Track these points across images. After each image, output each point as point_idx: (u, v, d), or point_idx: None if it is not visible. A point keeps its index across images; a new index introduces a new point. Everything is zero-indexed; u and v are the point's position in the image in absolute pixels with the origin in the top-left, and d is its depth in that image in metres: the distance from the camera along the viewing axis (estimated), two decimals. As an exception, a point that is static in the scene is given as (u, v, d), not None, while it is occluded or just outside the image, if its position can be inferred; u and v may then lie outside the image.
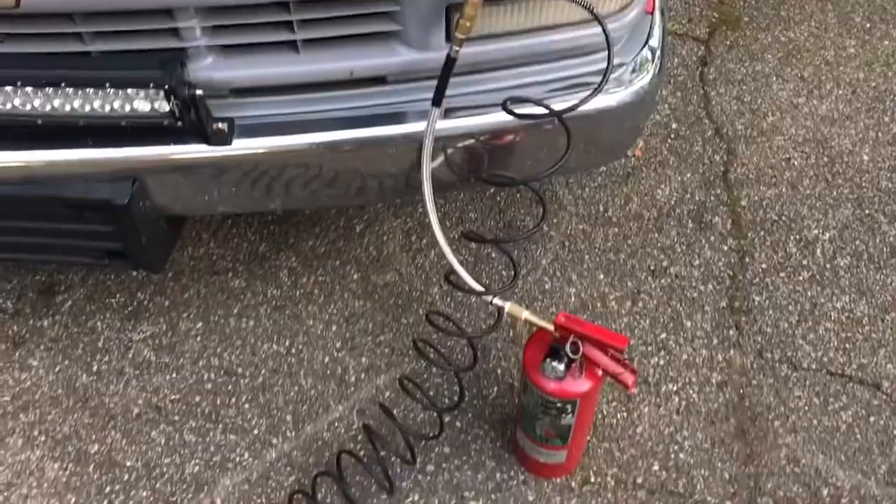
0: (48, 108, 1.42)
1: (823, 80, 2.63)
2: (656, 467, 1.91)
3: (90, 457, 1.93)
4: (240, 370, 2.06)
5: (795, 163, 2.43)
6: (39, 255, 1.69)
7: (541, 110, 1.49)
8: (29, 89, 1.39)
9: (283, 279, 2.20)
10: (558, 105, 1.51)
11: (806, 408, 1.99)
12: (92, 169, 1.51)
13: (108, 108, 1.41)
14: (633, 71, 1.61)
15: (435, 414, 1.93)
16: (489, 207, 2.32)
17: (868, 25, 2.78)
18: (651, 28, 1.67)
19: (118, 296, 2.17)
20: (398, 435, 1.83)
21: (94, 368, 2.06)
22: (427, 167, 1.53)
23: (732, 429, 1.96)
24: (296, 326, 2.12)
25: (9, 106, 1.42)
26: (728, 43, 2.73)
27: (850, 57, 2.69)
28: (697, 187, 2.38)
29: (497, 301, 1.61)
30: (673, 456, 1.93)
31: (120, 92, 1.39)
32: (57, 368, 2.06)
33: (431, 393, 1.98)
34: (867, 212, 2.33)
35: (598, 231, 2.29)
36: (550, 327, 1.56)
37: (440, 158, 1.61)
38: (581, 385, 1.60)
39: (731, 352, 2.08)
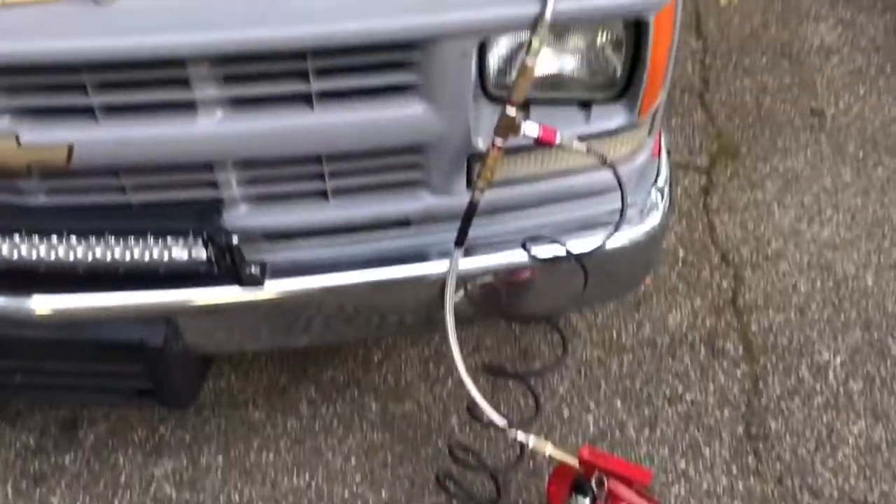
0: (90, 257, 1.49)
1: (823, 207, 2.72)
2: None
3: None
4: (260, 504, 2.06)
5: (802, 288, 2.50)
6: (69, 396, 1.72)
7: (559, 249, 1.56)
8: (73, 239, 1.46)
9: (302, 411, 2.23)
10: (574, 243, 1.58)
11: (830, 538, 1.98)
12: (128, 313, 1.57)
13: (147, 256, 1.48)
14: (644, 211, 1.69)
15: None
16: (505, 335, 2.36)
17: (861, 155, 2.90)
18: (658, 169, 1.76)
19: (140, 430, 2.19)
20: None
21: (115, 505, 2.06)
22: (450, 304, 1.59)
23: (757, 561, 1.95)
24: (315, 460, 2.13)
25: (53, 256, 1.49)
26: (728, 172, 2.85)
27: (847, 185, 2.80)
28: (708, 313, 2.43)
29: (521, 436, 1.64)
30: (699, 591, 1.90)
31: (160, 240, 1.47)
32: (77, 505, 2.06)
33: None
34: (876, 336, 2.37)
35: (613, 358, 2.33)
36: (575, 462, 1.58)
37: (461, 294, 1.68)
38: (606, 520, 1.60)
39: (752, 479, 2.08)
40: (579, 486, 1.57)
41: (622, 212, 1.49)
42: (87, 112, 1.37)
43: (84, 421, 2.21)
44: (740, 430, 2.17)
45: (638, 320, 2.42)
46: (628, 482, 1.53)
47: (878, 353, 2.33)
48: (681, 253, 2.59)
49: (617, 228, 1.49)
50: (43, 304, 1.55)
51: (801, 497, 2.04)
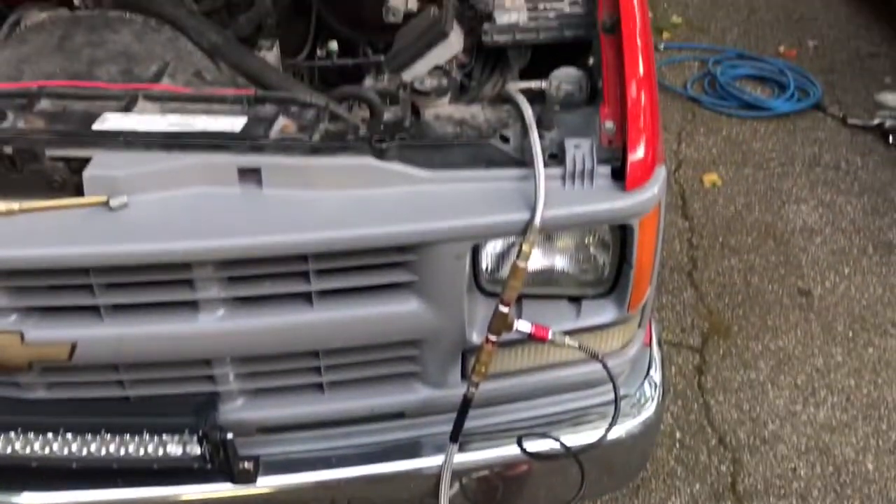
0: (84, 452, 1.49)
1: (817, 388, 2.74)
2: None
3: None
4: None
5: (802, 472, 2.47)
6: None
7: (554, 445, 1.56)
8: (69, 435, 1.46)
9: None
10: (570, 438, 1.59)
11: None
12: (118, 509, 1.55)
13: (142, 451, 1.48)
14: (638, 403, 1.71)
15: None
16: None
17: (851, 334, 2.94)
18: (651, 360, 1.79)
19: None
20: None
21: None
22: (445, 501, 1.57)
23: None
24: None
25: (47, 451, 1.49)
26: (721, 352, 2.88)
27: (839, 364, 2.82)
28: (708, 499, 2.39)
29: None
30: None
31: (155, 436, 1.47)
32: None
33: None
34: (881, 524, 2.33)
35: (612, 550, 2.27)
36: None
37: (456, 487, 1.66)
38: None
39: None
40: None
41: (616, 406, 1.50)
42: (92, 311, 1.41)
43: None
44: None
45: (637, 507, 2.38)
46: None
47: (884, 543, 2.28)
48: (678, 435, 2.58)
49: (612, 424, 1.50)
50: (33, 500, 1.53)
51: None
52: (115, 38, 1.77)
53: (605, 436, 1.50)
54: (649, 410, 1.71)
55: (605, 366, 1.49)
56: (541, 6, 1.85)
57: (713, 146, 4.00)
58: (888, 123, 4.07)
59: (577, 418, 1.68)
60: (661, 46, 4.81)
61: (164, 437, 1.47)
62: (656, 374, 1.75)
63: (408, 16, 2.00)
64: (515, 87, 1.65)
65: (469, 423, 1.59)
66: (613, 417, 1.50)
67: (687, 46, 4.82)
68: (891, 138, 3.99)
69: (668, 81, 4.43)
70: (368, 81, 1.73)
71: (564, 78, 1.66)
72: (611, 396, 1.57)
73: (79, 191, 1.38)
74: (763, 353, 2.87)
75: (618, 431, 1.66)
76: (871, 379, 2.77)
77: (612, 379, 1.49)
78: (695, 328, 2.98)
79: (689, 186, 3.73)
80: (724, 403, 2.69)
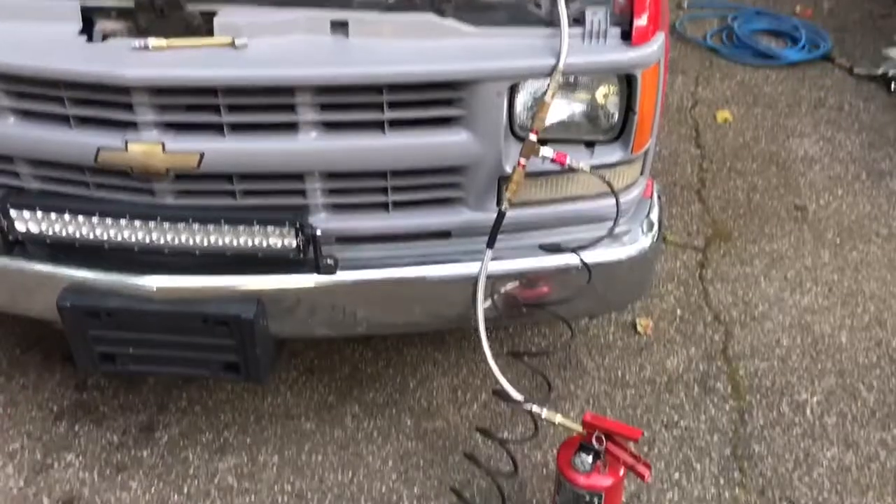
0: (206, 242, 1.93)
1: (804, 280, 3.12)
2: (675, 583, 2.16)
3: (177, 561, 2.22)
4: (309, 494, 2.38)
5: (784, 342, 2.86)
6: (168, 368, 2.10)
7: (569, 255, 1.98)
8: (196, 225, 1.90)
9: (347, 423, 2.58)
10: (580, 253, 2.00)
11: (806, 537, 2.26)
12: (227, 293, 1.98)
13: (250, 242, 1.92)
14: (638, 234, 2.11)
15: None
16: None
17: (839, 241, 3.32)
18: (651, 207, 2.20)
19: (208, 433, 2.55)
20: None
21: (185, 490, 2.39)
22: (481, 295, 1.99)
23: (741, 553, 2.22)
24: (357, 461, 2.47)
25: (177, 241, 1.93)
26: (721, 252, 3.27)
27: (825, 264, 3.20)
28: (701, 359, 2.79)
29: (535, 408, 1.99)
30: (689, 574, 2.18)
31: (261, 229, 1.90)
32: (153, 489, 2.39)
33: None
34: (848, 381, 2.71)
35: (617, 391, 2.68)
36: (579, 428, 1.93)
37: (488, 302, 2.07)
38: (606, 480, 1.93)
39: (737, 490, 2.38)
40: (583, 447, 1.90)
41: (616, 213, 1.92)
42: (217, 128, 1.85)
43: (160, 424, 2.57)
44: (728, 451, 2.49)
45: (640, 363, 2.78)
46: (624, 441, 1.87)
47: (850, 395, 2.67)
48: (678, 312, 2.98)
49: (614, 226, 1.92)
50: (162, 283, 1.97)
51: (781, 505, 2.34)
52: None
53: (609, 232, 1.91)
54: (646, 242, 2.12)
55: (608, 183, 1.90)
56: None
57: (727, 89, 4.37)
58: (892, 73, 4.41)
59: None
60: (686, 4, 5.18)
61: (269, 229, 1.90)
62: (653, 215, 2.16)
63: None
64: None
65: (502, 244, 2.01)
66: (615, 218, 1.91)
67: (709, 5, 5.18)
68: (893, 86, 4.33)
69: (690, 33, 4.80)
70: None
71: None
72: (617, 230, 1.99)
73: (210, 33, 1.81)
74: (759, 254, 3.25)
75: (619, 254, 2.08)
76: (852, 275, 3.14)
77: (611, 188, 1.90)
78: (699, 233, 3.37)
79: (702, 121, 4.11)
80: (720, 290, 3.08)
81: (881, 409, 2.63)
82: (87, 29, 1.83)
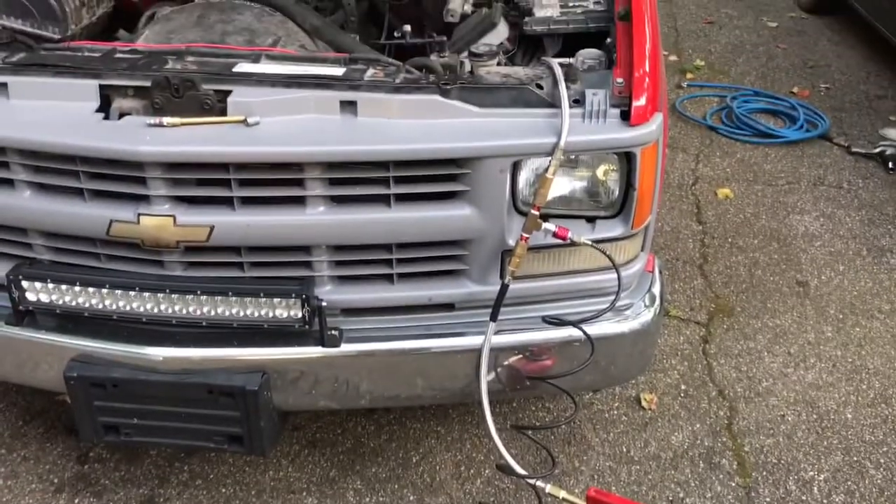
0: (212, 313, 1.96)
1: (807, 356, 3.12)
2: None
3: None
4: (310, 571, 2.35)
5: (789, 418, 2.84)
6: (172, 439, 2.09)
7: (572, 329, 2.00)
8: (204, 296, 1.93)
9: (349, 498, 2.56)
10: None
11: None
12: (233, 364, 2.00)
13: (256, 313, 1.95)
14: (640, 308, 2.14)
15: None
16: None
17: (841, 316, 3.33)
18: (653, 281, 2.23)
19: (208, 508, 2.53)
20: None
21: (184, 566, 2.36)
22: (484, 368, 2.00)
23: None
24: (359, 537, 2.44)
25: (184, 311, 1.96)
26: (725, 327, 3.28)
27: (829, 339, 3.21)
28: (706, 435, 2.78)
29: (539, 483, 1.98)
30: None
31: (267, 300, 1.93)
32: (151, 565, 2.36)
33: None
34: (855, 458, 2.69)
35: (622, 467, 2.66)
36: (584, 503, 1.92)
37: (491, 375, 2.09)
38: (611, 558, 1.91)
39: (745, 570, 2.34)
40: (587, 524, 1.89)
41: (618, 287, 1.94)
42: (228, 202, 1.90)
43: (161, 497, 2.55)
44: (735, 529, 2.46)
45: (644, 439, 2.76)
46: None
47: (857, 473, 2.64)
48: (682, 387, 2.97)
49: (616, 300, 1.94)
50: (168, 353, 1.99)
51: (790, 585, 2.30)
52: (239, 18, 2.30)
53: (611, 306, 1.93)
54: (648, 315, 2.14)
55: (609, 258, 1.93)
56: (570, 4, 2.35)
57: (727, 167, 4.45)
58: (889, 151, 4.50)
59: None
60: (685, 84, 5.31)
61: (275, 300, 1.93)
62: (655, 289, 2.18)
63: (464, 17, 2.53)
64: (549, 59, 2.13)
65: (505, 316, 2.03)
66: (617, 291, 1.94)
67: (708, 85, 5.32)
68: (891, 164, 4.41)
69: (689, 112, 4.92)
70: (434, 57, 2.23)
71: (587, 55, 2.13)
72: (619, 304, 2.02)
73: (223, 112, 1.88)
74: (762, 329, 3.26)
75: (622, 328, 2.10)
76: (855, 351, 3.15)
77: (612, 262, 1.93)
78: (702, 308, 3.39)
79: (703, 198, 4.17)
80: (724, 365, 3.08)
81: (889, 488, 2.60)
82: (105, 107, 1.90)
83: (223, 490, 2.58)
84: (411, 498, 2.56)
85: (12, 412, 2.85)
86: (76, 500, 2.54)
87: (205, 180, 1.89)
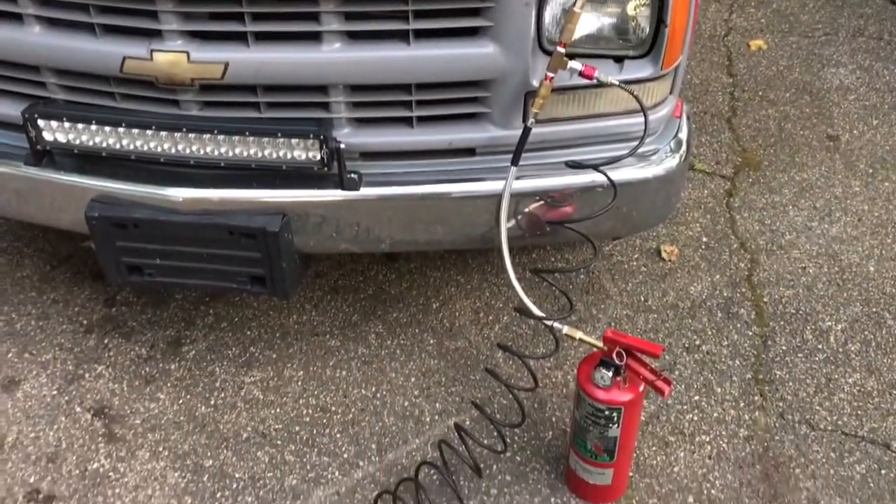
0: (231, 153, 1.93)
1: (833, 210, 3.08)
2: (691, 500, 2.18)
3: (205, 469, 2.28)
4: (333, 408, 2.42)
5: (810, 271, 2.83)
6: (195, 280, 2.12)
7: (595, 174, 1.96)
8: (221, 136, 1.90)
9: (371, 341, 2.61)
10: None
11: (823, 460, 2.27)
12: (253, 205, 1.99)
13: (274, 155, 1.92)
14: (665, 154, 2.09)
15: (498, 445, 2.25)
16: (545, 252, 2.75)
17: (871, 171, 3.26)
18: (679, 127, 2.16)
19: (234, 349, 2.59)
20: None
21: (212, 402, 2.45)
22: (504, 213, 1.99)
23: (758, 473, 2.24)
24: (381, 377, 2.51)
25: (202, 152, 1.94)
26: (750, 180, 3.22)
27: (856, 193, 3.15)
28: (725, 286, 2.78)
29: (556, 324, 2.00)
30: (706, 492, 2.20)
31: (285, 141, 1.90)
32: (180, 401, 2.45)
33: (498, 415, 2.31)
34: (874, 310, 2.69)
35: (639, 316, 2.68)
36: (600, 344, 1.94)
37: (512, 222, 2.07)
38: (625, 395, 1.94)
39: (757, 413, 2.39)
40: (603, 362, 1.92)
41: (645, 130, 1.89)
42: (242, 38, 1.83)
43: (187, 339, 2.63)
44: (749, 375, 2.50)
45: (663, 289, 2.77)
46: (644, 356, 1.88)
47: (875, 323, 2.65)
48: (704, 239, 2.96)
49: (641, 142, 1.89)
50: (188, 194, 1.98)
51: (799, 428, 2.35)
52: None
53: (636, 148, 1.88)
54: (673, 161, 2.09)
55: (636, 97, 1.87)
56: None
57: (762, 17, 4.26)
58: (935, 1, 4.28)
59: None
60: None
61: (293, 141, 1.90)
62: (682, 134, 2.12)
63: None
64: None
65: (526, 162, 1.99)
66: (643, 135, 1.89)
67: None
68: (935, 15, 4.21)
69: (725, -41, 4.66)
70: None
71: None
72: (644, 150, 1.96)
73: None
74: (788, 183, 3.21)
75: (646, 173, 2.06)
76: (883, 205, 3.10)
77: (640, 104, 1.87)
78: (729, 161, 3.32)
79: (735, 50, 4.02)
80: (748, 219, 3.05)
81: (906, 338, 2.62)
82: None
83: (248, 332, 2.64)
84: (431, 342, 2.61)
85: (40, 257, 2.90)
86: (105, 341, 2.62)
87: (217, 14, 1.82)
